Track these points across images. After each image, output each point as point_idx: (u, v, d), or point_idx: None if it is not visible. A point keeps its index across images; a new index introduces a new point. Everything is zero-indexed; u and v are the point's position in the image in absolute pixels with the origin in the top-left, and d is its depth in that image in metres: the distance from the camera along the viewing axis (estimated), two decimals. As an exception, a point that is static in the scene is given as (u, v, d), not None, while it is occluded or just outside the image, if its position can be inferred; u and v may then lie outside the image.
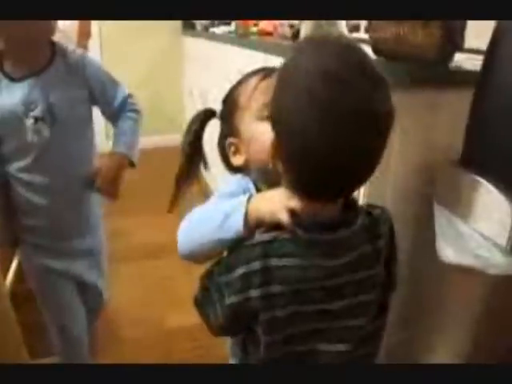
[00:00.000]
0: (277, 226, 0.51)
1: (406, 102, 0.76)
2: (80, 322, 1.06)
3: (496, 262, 0.68)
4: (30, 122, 0.89)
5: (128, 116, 1.02)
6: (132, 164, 1.01)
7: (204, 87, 2.49)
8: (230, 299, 0.52)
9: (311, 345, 0.54)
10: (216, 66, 2.21)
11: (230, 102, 0.64)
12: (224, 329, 0.58)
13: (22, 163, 0.92)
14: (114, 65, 1.53)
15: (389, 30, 0.81)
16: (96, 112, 1.02)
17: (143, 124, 1.06)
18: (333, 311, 0.53)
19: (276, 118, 0.49)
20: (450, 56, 0.83)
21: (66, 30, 1.46)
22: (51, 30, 0.89)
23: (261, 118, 0.58)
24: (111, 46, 3.01)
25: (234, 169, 0.65)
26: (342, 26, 1.11)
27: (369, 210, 0.57)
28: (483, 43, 0.71)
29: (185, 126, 0.68)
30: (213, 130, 0.70)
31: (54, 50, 0.93)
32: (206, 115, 0.68)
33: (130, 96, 1.03)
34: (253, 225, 0.52)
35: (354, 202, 0.55)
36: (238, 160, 0.63)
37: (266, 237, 0.51)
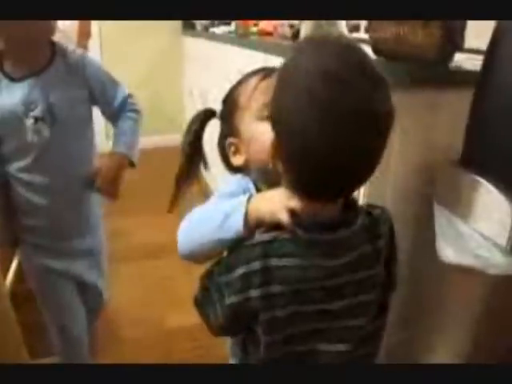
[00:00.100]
0: (277, 226, 0.51)
1: (405, 101, 0.76)
2: (80, 322, 1.06)
3: (496, 262, 0.68)
4: (30, 121, 0.89)
5: (128, 116, 1.02)
6: (132, 164, 1.01)
7: (204, 87, 2.49)
8: (230, 299, 0.52)
9: (311, 345, 0.54)
10: (216, 66, 2.21)
11: (230, 101, 0.64)
12: (224, 329, 0.58)
13: (21, 163, 0.92)
14: (114, 65, 1.53)
15: (389, 30, 0.82)
16: (96, 112, 1.02)
17: (143, 124, 1.06)
18: (333, 311, 0.53)
19: (276, 117, 0.49)
20: (450, 56, 0.83)
21: (65, 29, 1.46)
22: (51, 30, 0.89)
23: (261, 118, 0.58)
24: (111, 45, 3.01)
25: (233, 169, 0.65)
26: (342, 26, 1.11)
27: (369, 210, 0.57)
28: (483, 43, 0.71)
29: (185, 126, 0.68)
30: (213, 129, 0.70)
31: (54, 50, 0.93)
32: (206, 115, 0.68)
33: (130, 96, 1.03)
34: (253, 225, 0.52)
35: (354, 201, 0.55)
36: (237, 160, 0.63)
37: (266, 237, 0.51)
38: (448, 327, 0.80)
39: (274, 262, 0.50)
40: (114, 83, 1.01)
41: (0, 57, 0.90)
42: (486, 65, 0.71)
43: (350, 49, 0.47)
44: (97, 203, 1.06)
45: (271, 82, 0.53)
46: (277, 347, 0.53)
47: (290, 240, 0.51)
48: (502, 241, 0.68)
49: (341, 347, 0.54)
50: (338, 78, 0.44)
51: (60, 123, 0.91)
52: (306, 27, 1.13)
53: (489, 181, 0.70)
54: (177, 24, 3.13)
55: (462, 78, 0.81)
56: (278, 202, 0.51)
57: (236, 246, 0.53)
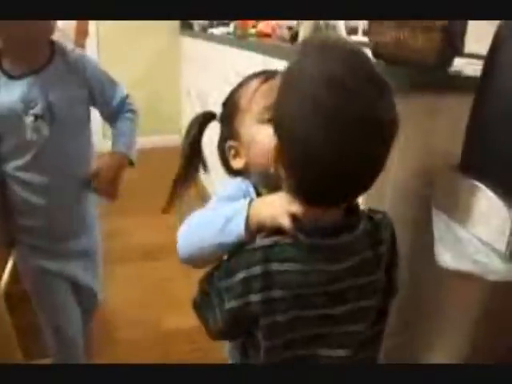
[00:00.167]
0: (278, 230, 0.51)
1: (405, 106, 0.75)
2: (75, 323, 1.05)
3: (495, 268, 0.68)
4: (29, 119, 0.88)
5: (126, 117, 1.02)
6: (131, 163, 1.02)
7: (202, 88, 2.48)
8: (230, 304, 0.52)
9: (311, 350, 0.54)
10: (214, 67, 2.20)
11: (231, 104, 0.64)
12: (223, 333, 0.57)
13: (20, 162, 0.91)
14: (112, 64, 1.52)
15: (389, 34, 0.82)
16: (93, 112, 1.02)
17: (141, 124, 1.06)
18: (334, 316, 0.52)
19: (279, 122, 0.48)
20: (450, 61, 0.83)
21: (63, 28, 1.45)
22: (50, 30, 0.89)
23: (261, 121, 0.58)
24: (108, 45, 3.00)
25: (233, 172, 0.65)
26: (341, 28, 1.11)
27: (370, 214, 0.57)
28: (483, 48, 0.72)
29: (182, 127, 0.68)
30: (212, 133, 0.70)
31: (54, 48, 0.93)
32: (206, 118, 0.67)
33: (127, 96, 1.03)
34: (254, 229, 0.52)
35: (356, 206, 0.55)
36: (237, 163, 0.63)
37: (267, 241, 0.51)
38: (446, 332, 0.80)
39: (275, 266, 0.50)
40: (113, 83, 1.01)
41: None
42: (486, 70, 0.72)
43: (355, 54, 0.47)
44: (93, 203, 1.05)
45: (272, 84, 0.52)
46: (277, 352, 0.53)
47: (292, 245, 0.50)
48: (501, 246, 0.68)
49: (341, 352, 0.54)
50: (343, 84, 0.43)
51: (59, 122, 0.91)
52: (304, 29, 1.13)
53: (488, 186, 0.70)
54: (175, 24, 3.12)
55: (461, 83, 0.81)
56: (279, 207, 0.50)
57: (237, 250, 0.53)
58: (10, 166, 0.91)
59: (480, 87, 0.72)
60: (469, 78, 0.79)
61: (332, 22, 1.09)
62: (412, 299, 0.85)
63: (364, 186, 0.49)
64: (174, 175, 0.67)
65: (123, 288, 1.49)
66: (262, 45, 1.59)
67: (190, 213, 0.59)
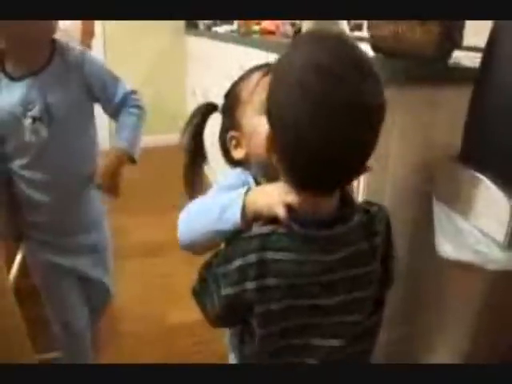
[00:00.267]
0: (274, 219, 0.52)
1: (404, 99, 0.77)
2: (83, 317, 1.06)
3: (495, 258, 0.68)
4: (27, 122, 0.89)
5: (130, 111, 1.01)
6: (133, 160, 1.00)
7: (207, 86, 2.49)
8: (227, 290, 0.53)
9: (305, 339, 0.54)
10: (219, 64, 2.21)
11: (232, 96, 0.65)
12: (221, 319, 0.58)
13: (22, 161, 0.92)
14: (118, 64, 1.54)
15: (387, 27, 0.82)
16: (99, 109, 1.02)
17: (146, 123, 1.04)
18: (327, 306, 0.53)
19: (270, 111, 0.49)
20: (449, 53, 0.83)
21: (68, 29, 1.47)
22: (52, 30, 0.90)
23: (262, 113, 0.59)
24: (115, 45, 3.03)
25: (234, 162, 0.66)
26: (344, 24, 1.12)
27: (366, 207, 0.57)
28: (482, 41, 0.72)
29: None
30: (213, 123, 0.71)
31: (54, 48, 0.93)
32: (208, 109, 0.68)
33: (133, 92, 1.02)
34: (250, 217, 0.53)
35: (351, 198, 0.56)
36: (238, 153, 0.64)
37: (264, 230, 0.52)
38: (447, 322, 0.80)
39: (270, 255, 0.51)
40: (115, 79, 1.00)
41: (2, 56, 0.91)
42: (485, 62, 0.72)
43: (342, 44, 0.47)
44: (98, 200, 1.06)
45: None
46: (271, 340, 0.54)
47: (287, 234, 0.51)
48: (501, 237, 0.69)
49: (334, 342, 0.54)
50: (331, 71, 0.44)
51: (58, 122, 0.91)
52: (307, 26, 1.14)
53: (487, 177, 0.70)
54: (179, 23, 3.14)
55: (460, 75, 0.81)
56: (275, 196, 0.51)
57: (234, 237, 0.54)
58: (15, 165, 0.93)
59: (478, 79, 0.72)
60: (467, 70, 0.79)
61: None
62: (413, 291, 0.86)
63: (353, 172, 0.50)
64: (182, 172, 0.68)
65: (127, 284, 1.51)
66: (265, 42, 1.60)
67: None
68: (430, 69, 0.80)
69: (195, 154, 0.68)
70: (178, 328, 1.42)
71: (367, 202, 0.60)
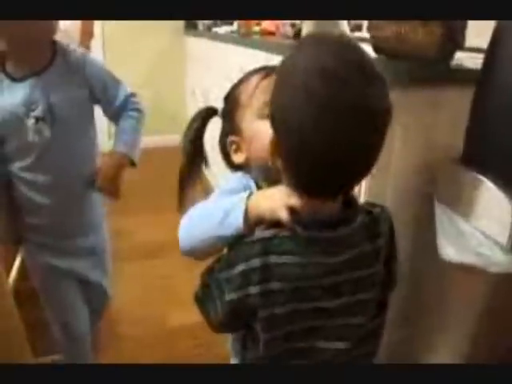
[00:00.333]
0: (277, 223, 0.51)
1: (406, 100, 0.76)
2: (83, 320, 1.06)
3: (497, 260, 0.68)
4: (30, 122, 0.89)
5: (130, 115, 1.02)
6: (133, 163, 1.01)
7: (206, 87, 2.49)
8: (230, 296, 0.52)
9: (310, 342, 0.54)
10: (218, 65, 2.21)
11: (232, 100, 0.65)
12: (224, 325, 0.58)
13: (24, 162, 0.92)
14: (117, 65, 1.54)
15: (389, 28, 0.82)
16: (98, 111, 1.02)
17: (146, 124, 1.04)
18: (332, 309, 0.53)
19: (274, 115, 0.49)
20: (451, 54, 0.83)
21: (68, 29, 1.47)
22: (52, 30, 0.90)
23: (262, 117, 0.58)
24: (114, 45, 3.02)
25: (234, 167, 0.65)
26: (344, 25, 1.11)
27: (369, 208, 0.57)
28: (484, 42, 0.72)
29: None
30: (213, 127, 0.70)
31: (55, 49, 0.93)
32: (208, 113, 0.68)
33: (132, 95, 1.03)
34: (253, 222, 0.53)
35: (354, 200, 0.55)
36: (239, 158, 0.63)
37: (266, 234, 0.51)
38: (449, 325, 0.80)
39: (274, 259, 0.51)
40: (116, 82, 1.00)
41: (2, 57, 0.91)
42: (487, 64, 0.71)
43: (347, 47, 0.47)
44: (99, 202, 1.06)
45: (272, 80, 0.53)
46: (275, 344, 0.53)
47: (290, 237, 0.51)
48: (503, 239, 0.68)
49: (339, 345, 0.54)
50: (336, 75, 0.44)
51: (61, 123, 0.91)
52: (307, 26, 1.13)
53: (490, 179, 0.70)
54: (179, 24, 3.14)
55: (462, 76, 0.81)
56: (278, 200, 0.51)
57: (236, 242, 0.53)
58: (15, 167, 0.93)
59: (481, 80, 0.72)
60: (470, 71, 0.79)
61: (334, 19, 1.09)
62: (415, 293, 0.85)
63: (358, 176, 0.50)
64: (178, 174, 0.68)
65: (127, 286, 1.51)
66: (265, 42, 1.60)
67: (193, 207, 0.60)
68: (432, 70, 0.80)
69: (194, 158, 0.67)
70: (178, 330, 1.41)
71: (369, 204, 0.60)
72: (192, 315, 0.65)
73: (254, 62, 0.84)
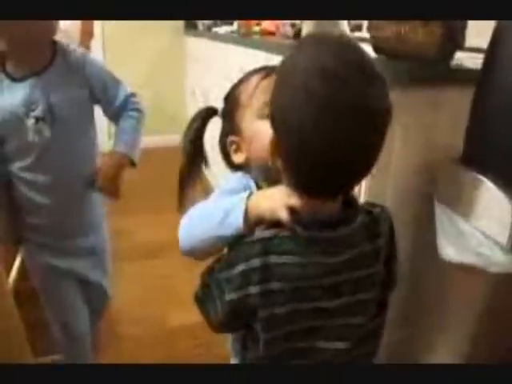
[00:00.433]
0: (277, 223, 0.51)
1: (406, 100, 0.76)
2: (83, 320, 1.06)
3: (497, 260, 0.68)
4: (30, 122, 0.89)
5: (130, 115, 1.02)
6: (133, 163, 1.01)
7: (206, 87, 2.49)
8: (230, 296, 0.52)
9: (310, 342, 0.54)
10: (218, 65, 2.21)
11: (232, 100, 0.65)
12: (224, 325, 0.58)
13: (24, 162, 0.92)
14: (117, 65, 1.54)
15: (389, 28, 0.82)
16: (98, 111, 1.02)
17: (146, 124, 1.05)
18: (332, 309, 0.53)
19: (274, 115, 0.49)
20: (451, 54, 0.83)
21: (68, 30, 1.47)
22: (53, 30, 0.90)
23: (262, 117, 0.58)
24: (114, 45, 3.02)
25: (234, 167, 0.65)
26: (344, 25, 1.11)
27: (369, 208, 0.57)
28: (484, 42, 0.72)
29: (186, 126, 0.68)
30: (213, 127, 0.70)
31: (55, 49, 0.93)
32: (208, 113, 0.68)
33: (132, 95, 1.03)
34: (253, 222, 0.53)
35: (354, 200, 0.55)
36: (239, 158, 0.63)
37: (266, 234, 0.51)
38: (449, 325, 0.80)
39: (274, 259, 0.51)
40: (116, 82, 1.01)
41: (2, 57, 0.91)
42: (487, 63, 0.71)
43: (347, 47, 0.47)
44: (99, 202, 1.06)
45: (272, 80, 0.53)
46: (276, 344, 0.53)
47: (290, 237, 0.51)
48: (503, 239, 0.68)
49: (340, 345, 0.54)
50: (336, 75, 0.44)
51: (61, 123, 0.91)
52: (307, 26, 1.13)
53: (490, 179, 0.70)
54: (179, 24, 3.14)
55: (462, 76, 0.81)
56: (278, 200, 0.51)
57: (236, 242, 0.53)
58: (15, 167, 0.93)
59: (481, 80, 0.72)
60: (470, 71, 0.79)
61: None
62: (415, 293, 0.85)
63: (358, 176, 0.50)
64: (178, 174, 0.68)
65: (127, 286, 1.51)
66: (265, 42, 1.60)
67: (193, 207, 0.60)
68: (432, 70, 0.80)
69: (194, 158, 0.67)
70: (178, 330, 1.41)
71: (369, 204, 0.60)
72: (192, 315, 0.65)
73: (254, 62, 0.84)
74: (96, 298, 1.10)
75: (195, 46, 2.88)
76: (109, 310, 1.28)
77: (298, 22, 1.55)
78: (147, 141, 1.23)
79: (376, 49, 0.87)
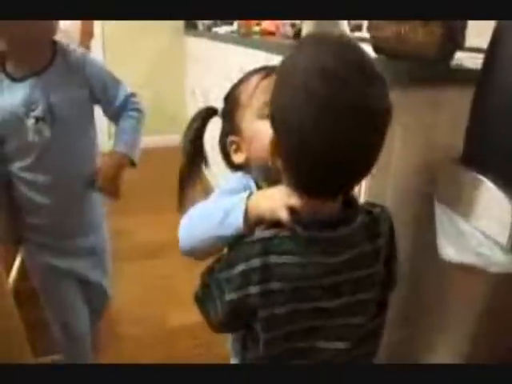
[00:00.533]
0: (277, 223, 0.51)
1: (406, 100, 0.76)
2: (83, 320, 1.06)
3: (497, 260, 0.68)
4: (30, 122, 0.89)
5: (130, 115, 1.02)
6: (133, 163, 1.01)
7: (206, 87, 2.49)
8: (230, 296, 0.52)
9: (310, 342, 0.54)
10: (218, 65, 2.21)
11: (232, 100, 0.65)
12: (224, 325, 0.58)
13: (24, 163, 0.92)
14: (117, 65, 1.54)
15: (389, 28, 0.82)
16: (98, 111, 1.02)
17: (146, 124, 1.05)
18: (332, 309, 0.53)
19: (274, 115, 0.49)
20: (451, 54, 0.83)
21: (68, 30, 1.47)
22: (53, 30, 0.90)
23: (262, 117, 0.58)
24: (114, 45, 3.02)
25: (234, 167, 0.65)
26: (344, 25, 1.11)
27: (369, 208, 0.57)
28: (484, 42, 0.72)
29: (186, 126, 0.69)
30: (213, 127, 0.70)
31: (55, 49, 0.93)
32: (208, 113, 0.68)
33: (132, 95, 1.03)
34: (253, 222, 0.53)
35: (354, 200, 0.55)
36: (238, 158, 0.63)
37: (266, 234, 0.52)
38: (449, 325, 0.80)
39: (274, 259, 0.51)
40: (116, 82, 1.01)
41: (2, 57, 0.91)
42: (487, 64, 0.71)
43: (347, 47, 0.47)
44: (99, 202, 1.06)
45: (272, 80, 0.53)
46: (276, 344, 0.53)
47: (290, 237, 0.51)
48: (503, 239, 0.68)
49: (340, 345, 0.54)
50: (336, 75, 0.44)
51: (61, 123, 0.91)
52: (307, 26, 1.13)
53: (490, 179, 0.70)
54: (179, 24, 3.14)
55: (462, 76, 0.81)
56: (278, 200, 0.51)
57: (236, 242, 0.53)
58: (15, 167, 0.93)
59: (481, 80, 0.72)
60: (470, 71, 0.79)
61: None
62: (415, 293, 0.85)
63: (358, 176, 0.50)
64: (179, 174, 0.68)
65: (127, 286, 1.51)
66: (265, 42, 1.60)
67: (193, 207, 0.60)
68: (432, 70, 0.80)
69: (194, 158, 0.67)
70: (178, 330, 1.41)
71: (369, 204, 0.60)
72: (192, 315, 0.65)
73: (254, 62, 0.84)
74: (96, 298, 1.10)
75: (195, 45, 2.88)
76: (109, 310, 1.28)
77: (297, 21, 1.55)
78: (147, 141, 1.23)
79: (376, 49, 0.87)
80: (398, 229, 0.61)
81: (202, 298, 0.58)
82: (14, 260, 1.51)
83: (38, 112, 0.89)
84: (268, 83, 0.58)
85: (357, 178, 0.50)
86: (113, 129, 1.07)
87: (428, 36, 0.77)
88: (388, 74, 0.48)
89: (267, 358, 0.54)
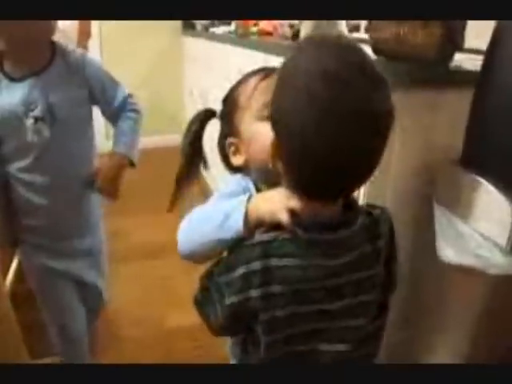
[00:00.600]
0: (277, 225, 0.51)
1: (405, 101, 0.76)
2: (80, 321, 1.06)
3: (496, 262, 0.68)
4: (29, 122, 0.89)
5: (128, 116, 1.02)
6: (132, 164, 1.01)
7: (204, 87, 2.49)
8: (230, 299, 0.52)
9: (311, 345, 0.54)
10: (216, 66, 2.21)
11: (230, 101, 0.64)
12: (224, 329, 0.58)
13: (22, 163, 0.92)
14: (114, 65, 1.53)
15: (389, 29, 0.82)
16: (96, 112, 1.02)
17: (143, 124, 1.05)
18: (333, 311, 0.53)
19: (276, 117, 0.49)
20: (450, 56, 0.83)
21: (65, 29, 1.46)
22: (51, 30, 0.89)
23: (261, 118, 0.58)
24: (111, 46, 3.01)
25: (233, 169, 0.65)
26: (342, 25, 1.11)
27: (369, 210, 0.57)
28: (483, 43, 0.71)
29: (185, 127, 0.68)
30: (212, 129, 0.70)
31: (54, 49, 0.93)
32: (206, 115, 0.68)
33: (130, 96, 1.03)
34: (253, 225, 0.52)
35: (354, 201, 0.55)
36: (237, 160, 0.63)
37: (266, 237, 0.51)
38: (448, 327, 0.80)
39: (274, 262, 0.50)
40: (114, 83, 1.01)
41: (0, 57, 0.90)
42: (486, 65, 0.71)
43: (349, 49, 0.47)
44: (97, 203, 1.06)
45: (271, 81, 0.52)
46: (277, 347, 0.53)
47: (290, 240, 0.51)
48: (502, 241, 0.68)
49: (341, 347, 0.54)
50: (338, 77, 0.44)
51: (60, 123, 0.91)
52: (305, 27, 1.13)
53: (489, 181, 0.70)
54: (177, 24, 3.13)
55: (461, 77, 0.81)
56: (277, 202, 0.51)
57: (236, 245, 0.53)
58: (13, 168, 0.92)
59: (480, 82, 0.72)
60: (469, 73, 0.79)
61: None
62: (414, 295, 0.85)
63: (360, 179, 0.50)
64: (176, 174, 0.67)
65: (126, 287, 1.50)
66: (263, 43, 1.59)
67: (192, 210, 0.60)
68: (432, 72, 0.80)
69: (193, 160, 0.67)
70: (177, 332, 1.41)
71: (369, 205, 0.60)
72: (191, 316, 0.65)
73: (253, 63, 0.83)
74: (92, 298, 1.10)
75: (193, 46, 2.88)
76: (107, 310, 1.28)
77: (296, 22, 1.55)
78: (145, 141, 1.23)
79: (375, 50, 0.87)
80: (397, 230, 0.61)
81: (202, 302, 0.58)
82: (10, 262, 1.51)
83: (37, 112, 0.89)
84: (267, 84, 0.58)
85: (359, 182, 0.50)
86: (110, 130, 1.07)
87: (427, 37, 0.77)
88: (388, 76, 0.48)
89: (268, 360, 0.54)
